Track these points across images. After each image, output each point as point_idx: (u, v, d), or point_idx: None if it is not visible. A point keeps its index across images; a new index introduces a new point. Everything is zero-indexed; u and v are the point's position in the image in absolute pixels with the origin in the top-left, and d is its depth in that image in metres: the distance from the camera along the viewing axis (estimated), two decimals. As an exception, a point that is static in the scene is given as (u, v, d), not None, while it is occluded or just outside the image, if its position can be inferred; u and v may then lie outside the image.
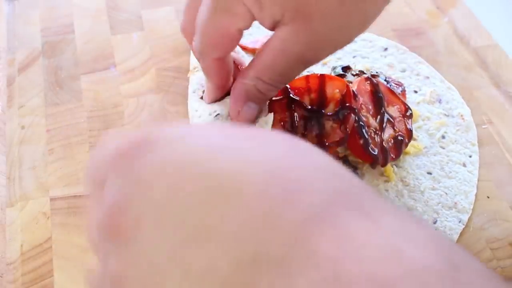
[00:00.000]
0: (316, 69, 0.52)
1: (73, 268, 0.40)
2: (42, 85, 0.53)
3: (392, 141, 0.44)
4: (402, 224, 0.21)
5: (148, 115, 0.50)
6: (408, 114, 0.45)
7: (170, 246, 0.24)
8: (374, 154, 0.42)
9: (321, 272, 0.19)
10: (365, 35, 0.56)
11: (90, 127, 0.49)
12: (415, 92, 0.51)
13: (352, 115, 0.42)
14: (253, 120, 0.38)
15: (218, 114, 0.40)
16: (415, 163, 0.46)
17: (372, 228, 0.20)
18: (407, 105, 0.46)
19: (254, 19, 0.36)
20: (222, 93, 0.41)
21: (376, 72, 0.47)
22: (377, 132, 0.43)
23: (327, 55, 0.36)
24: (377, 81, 0.45)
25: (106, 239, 0.27)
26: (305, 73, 0.40)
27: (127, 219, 0.25)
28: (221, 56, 0.39)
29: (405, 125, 0.45)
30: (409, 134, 0.45)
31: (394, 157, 0.44)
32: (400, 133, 0.44)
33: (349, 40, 0.36)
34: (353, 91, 0.42)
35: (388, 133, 0.44)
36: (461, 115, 0.49)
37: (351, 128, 0.42)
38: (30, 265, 0.41)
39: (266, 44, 0.36)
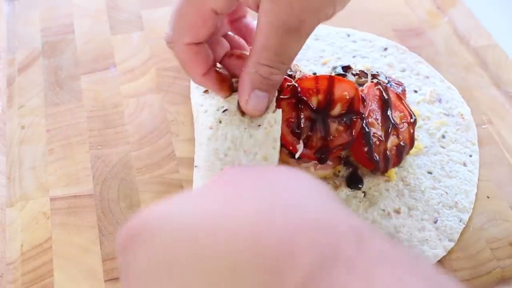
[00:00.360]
0: (316, 69, 0.52)
1: (73, 268, 0.40)
2: (42, 85, 0.53)
3: (395, 149, 0.44)
4: (395, 278, 0.20)
5: (148, 115, 0.50)
6: (412, 121, 0.45)
7: None
8: (376, 162, 0.42)
9: None
10: (365, 35, 0.56)
11: (90, 127, 0.49)
12: (415, 91, 0.51)
13: (359, 121, 0.41)
14: (263, 110, 0.38)
15: (226, 109, 0.39)
16: (415, 163, 0.46)
17: None
18: (412, 112, 0.45)
19: (234, 2, 0.37)
20: (204, 84, 0.40)
21: (377, 72, 0.47)
22: (382, 139, 0.43)
23: (312, 22, 0.36)
24: (386, 87, 0.45)
25: None
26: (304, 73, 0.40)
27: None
28: (194, 40, 0.38)
29: (409, 132, 0.45)
30: (412, 142, 0.45)
31: (394, 164, 0.44)
32: (403, 141, 0.44)
33: (331, 3, 0.36)
34: (362, 96, 0.42)
35: (391, 140, 0.44)
36: (461, 115, 0.49)
37: (357, 133, 0.41)
38: (30, 265, 0.41)
39: (256, 28, 0.36)
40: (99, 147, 0.48)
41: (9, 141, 0.49)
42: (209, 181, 0.30)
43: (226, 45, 0.42)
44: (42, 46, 0.57)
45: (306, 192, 0.26)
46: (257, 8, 0.36)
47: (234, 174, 0.30)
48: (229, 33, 0.44)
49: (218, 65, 0.41)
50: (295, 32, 0.35)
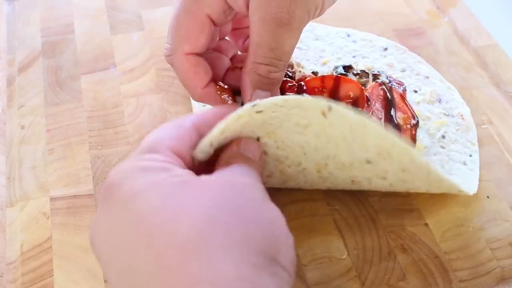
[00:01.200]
0: (316, 69, 0.52)
1: (73, 268, 0.40)
2: (42, 85, 0.53)
3: None
4: None
5: (148, 115, 0.50)
6: (415, 122, 0.45)
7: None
8: None
9: None
10: (365, 35, 0.56)
11: (90, 127, 0.49)
12: (415, 92, 0.51)
13: None
14: None
15: None
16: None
17: None
18: (415, 114, 0.45)
19: (226, 5, 0.37)
20: (205, 98, 0.40)
21: (378, 72, 0.47)
22: None
23: (302, 14, 0.36)
24: (390, 87, 0.45)
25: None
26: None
27: (95, 252, 0.31)
28: (192, 49, 0.39)
29: (411, 133, 0.45)
30: (414, 143, 0.45)
31: None
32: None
33: None
34: (366, 95, 0.42)
35: None
36: (461, 115, 0.49)
37: None
38: (30, 265, 0.41)
39: (249, 28, 0.37)
40: (99, 147, 0.48)
41: (9, 141, 0.49)
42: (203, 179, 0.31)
43: (227, 61, 0.42)
44: (42, 46, 0.57)
45: (246, 246, 0.27)
46: (247, 10, 0.36)
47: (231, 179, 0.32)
48: (239, 52, 0.44)
49: (221, 83, 0.41)
50: (286, 26, 0.36)
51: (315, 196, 0.44)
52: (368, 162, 0.38)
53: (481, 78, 0.54)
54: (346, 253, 0.41)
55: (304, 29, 0.50)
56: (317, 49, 0.54)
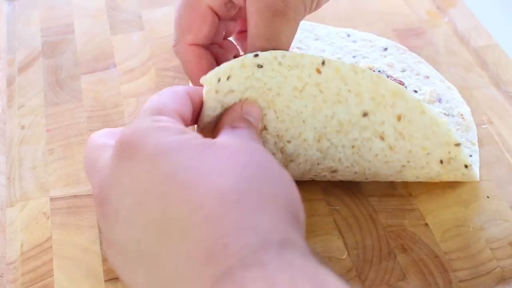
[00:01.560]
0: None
1: (73, 268, 0.40)
2: (42, 85, 0.53)
3: None
4: (293, 284, 0.24)
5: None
6: None
7: (135, 250, 0.29)
8: None
9: None
10: (365, 35, 0.56)
11: (90, 127, 0.49)
12: (415, 91, 0.51)
13: None
14: None
15: None
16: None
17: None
18: None
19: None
20: None
21: (379, 71, 0.47)
22: None
23: (297, 4, 0.37)
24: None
25: (97, 211, 0.33)
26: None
27: (109, 209, 0.31)
28: (195, 40, 0.40)
29: None
30: None
31: None
32: None
33: None
34: None
35: None
36: (461, 115, 0.49)
37: None
38: (30, 265, 0.41)
39: (247, 20, 0.38)
40: (99, 147, 0.48)
41: (9, 141, 0.49)
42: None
43: (231, 58, 0.43)
44: (42, 46, 0.57)
45: (273, 195, 0.29)
46: (245, 2, 0.37)
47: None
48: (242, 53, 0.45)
49: None
50: (282, 16, 0.36)
51: (315, 196, 0.44)
52: (365, 114, 0.39)
53: (481, 78, 0.54)
54: (346, 253, 0.41)
55: (304, 29, 0.50)
56: (317, 49, 0.54)
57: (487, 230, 0.43)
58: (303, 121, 0.39)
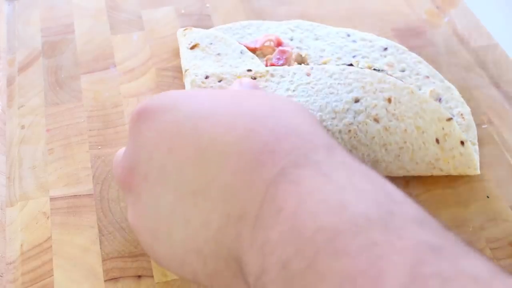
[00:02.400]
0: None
1: (73, 268, 0.40)
2: (42, 85, 0.53)
3: None
4: (350, 180, 0.25)
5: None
6: None
7: (171, 201, 0.29)
8: None
9: (286, 226, 0.24)
10: (365, 35, 0.56)
11: (90, 127, 0.49)
12: (415, 92, 0.51)
13: None
14: None
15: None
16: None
17: (325, 185, 0.25)
18: None
19: None
20: None
21: (379, 70, 0.47)
22: None
23: None
24: None
25: (125, 193, 0.33)
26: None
27: (137, 177, 0.31)
28: None
29: None
30: None
31: None
32: None
33: None
34: None
35: None
36: (461, 114, 0.49)
37: None
38: (30, 264, 0.41)
39: None
40: (99, 147, 0.48)
41: (9, 141, 0.49)
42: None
43: None
44: (42, 46, 0.57)
45: (299, 112, 0.30)
46: None
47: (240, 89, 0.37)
48: None
49: None
50: None
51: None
52: (356, 100, 0.42)
53: (481, 78, 0.54)
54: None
55: (304, 28, 0.52)
56: (317, 48, 0.54)
57: (487, 230, 0.43)
58: None
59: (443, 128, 0.42)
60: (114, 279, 0.39)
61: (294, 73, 0.40)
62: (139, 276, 0.40)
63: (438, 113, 0.42)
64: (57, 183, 0.45)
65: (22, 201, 0.44)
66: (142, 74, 0.54)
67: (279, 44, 0.51)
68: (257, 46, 0.51)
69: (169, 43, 0.56)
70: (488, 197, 0.45)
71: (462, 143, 0.43)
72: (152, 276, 0.40)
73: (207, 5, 0.60)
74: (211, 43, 0.50)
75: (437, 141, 0.42)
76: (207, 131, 0.28)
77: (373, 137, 0.42)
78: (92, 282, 0.39)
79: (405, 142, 0.42)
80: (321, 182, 0.25)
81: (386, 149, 0.42)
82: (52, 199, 0.44)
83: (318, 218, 0.23)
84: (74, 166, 0.46)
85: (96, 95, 0.52)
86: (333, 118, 0.41)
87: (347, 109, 0.41)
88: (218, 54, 0.49)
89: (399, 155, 0.43)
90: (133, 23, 0.59)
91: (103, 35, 0.58)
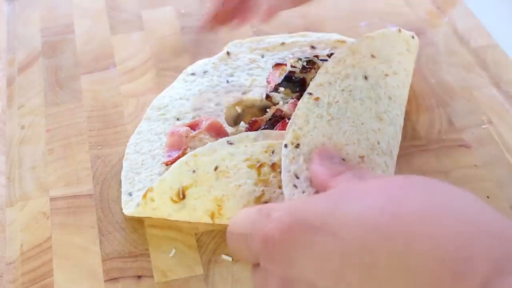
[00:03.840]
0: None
1: (73, 268, 0.40)
2: (42, 85, 0.53)
3: None
4: None
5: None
6: None
7: None
8: None
9: None
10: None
11: (90, 127, 0.49)
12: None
13: None
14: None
15: None
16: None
17: None
18: None
19: None
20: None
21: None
22: None
23: None
24: None
25: None
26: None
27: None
28: None
29: None
30: None
31: None
32: None
33: None
34: None
35: None
36: None
37: None
38: (30, 265, 0.41)
39: None
40: (99, 147, 0.48)
41: (9, 141, 0.49)
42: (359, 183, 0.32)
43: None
44: (42, 46, 0.57)
45: (472, 202, 0.27)
46: None
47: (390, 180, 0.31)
48: None
49: None
50: None
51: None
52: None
53: (481, 78, 0.54)
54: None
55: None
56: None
57: (487, 230, 0.43)
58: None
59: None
60: (114, 279, 0.39)
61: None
62: (139, 276, 0.40)
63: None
64: (57, 183, 0.45)
65: (22, 201, 0.44)
66: (142, 74, 0.54)
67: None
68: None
69: (169, 43, 0.56)
70: (488, 197, 0.45)
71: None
72: (152, 276, 0.39)
73: (207, 5, 0.60)
74: None
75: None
76: (383, 247, 0.25)
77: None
78: (92, 282, 0.39)
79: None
80: None
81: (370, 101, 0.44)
82: (52, 199, 0.44)
83: None
84: (74, 166, 0.46)
85: (96, 95, 0.52)
86: None
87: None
88: None
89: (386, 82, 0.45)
90: (133, 23, 0.59)
91: (103, 35, 0.58)
